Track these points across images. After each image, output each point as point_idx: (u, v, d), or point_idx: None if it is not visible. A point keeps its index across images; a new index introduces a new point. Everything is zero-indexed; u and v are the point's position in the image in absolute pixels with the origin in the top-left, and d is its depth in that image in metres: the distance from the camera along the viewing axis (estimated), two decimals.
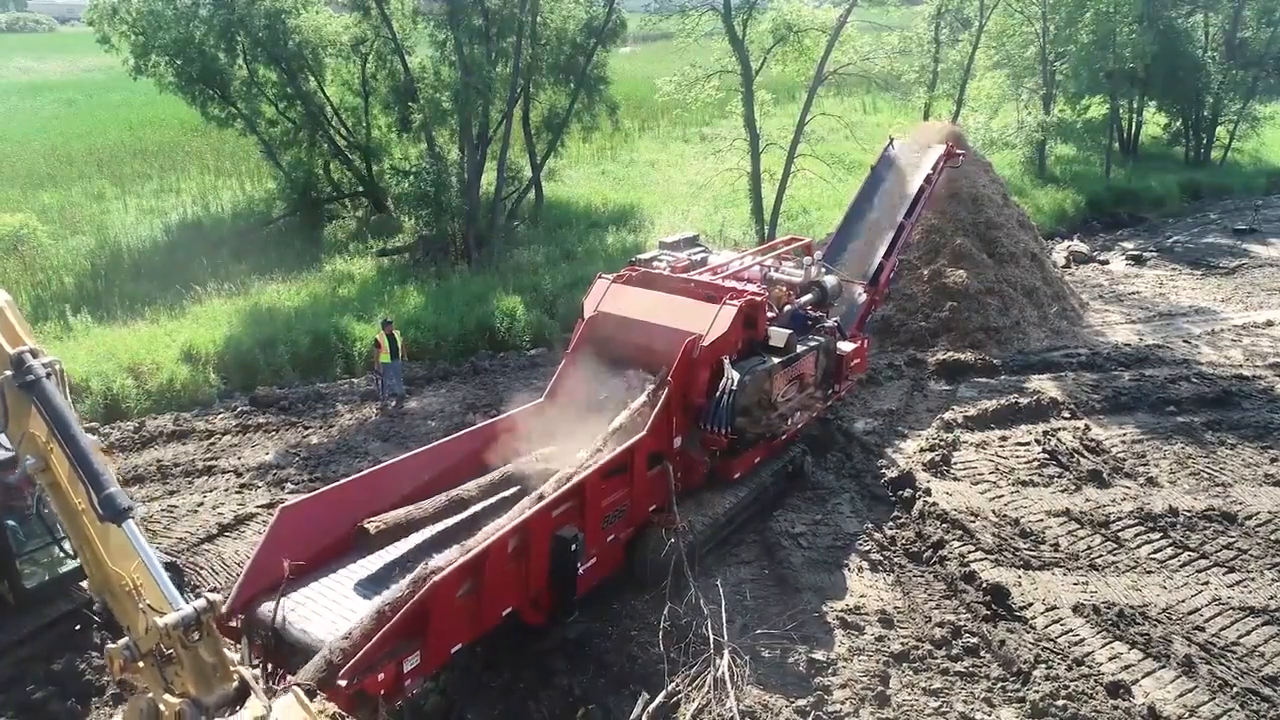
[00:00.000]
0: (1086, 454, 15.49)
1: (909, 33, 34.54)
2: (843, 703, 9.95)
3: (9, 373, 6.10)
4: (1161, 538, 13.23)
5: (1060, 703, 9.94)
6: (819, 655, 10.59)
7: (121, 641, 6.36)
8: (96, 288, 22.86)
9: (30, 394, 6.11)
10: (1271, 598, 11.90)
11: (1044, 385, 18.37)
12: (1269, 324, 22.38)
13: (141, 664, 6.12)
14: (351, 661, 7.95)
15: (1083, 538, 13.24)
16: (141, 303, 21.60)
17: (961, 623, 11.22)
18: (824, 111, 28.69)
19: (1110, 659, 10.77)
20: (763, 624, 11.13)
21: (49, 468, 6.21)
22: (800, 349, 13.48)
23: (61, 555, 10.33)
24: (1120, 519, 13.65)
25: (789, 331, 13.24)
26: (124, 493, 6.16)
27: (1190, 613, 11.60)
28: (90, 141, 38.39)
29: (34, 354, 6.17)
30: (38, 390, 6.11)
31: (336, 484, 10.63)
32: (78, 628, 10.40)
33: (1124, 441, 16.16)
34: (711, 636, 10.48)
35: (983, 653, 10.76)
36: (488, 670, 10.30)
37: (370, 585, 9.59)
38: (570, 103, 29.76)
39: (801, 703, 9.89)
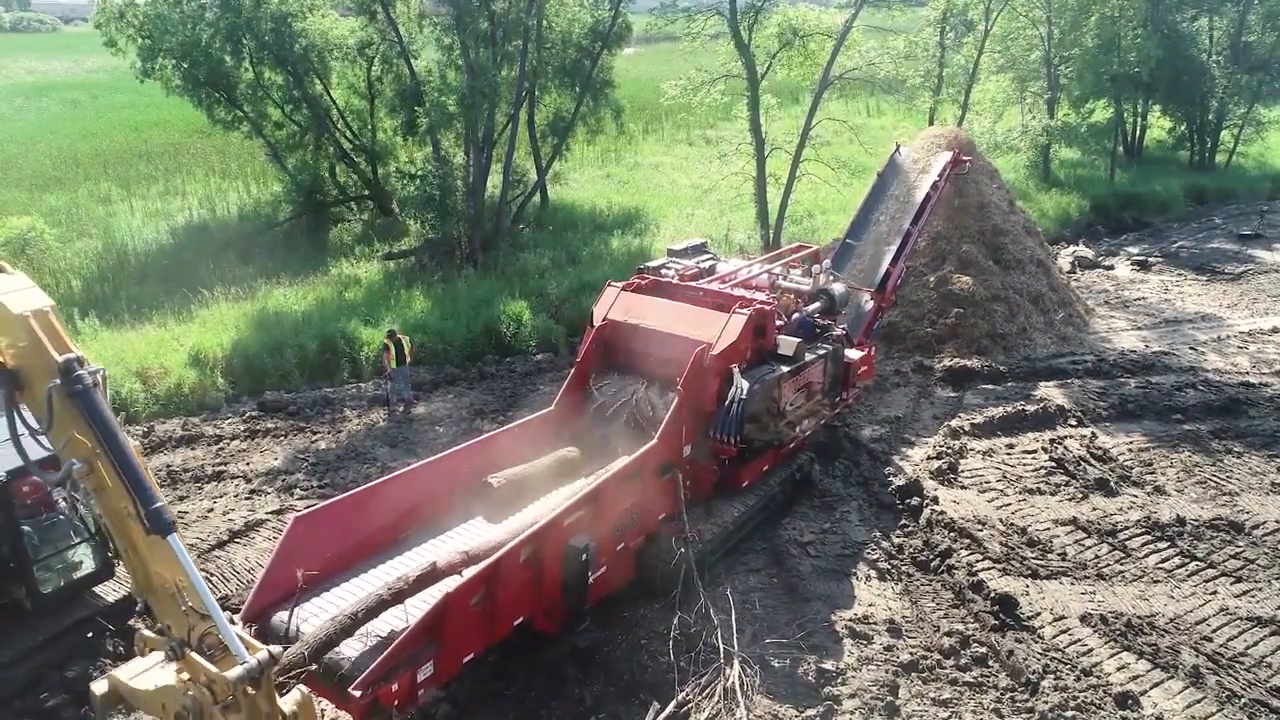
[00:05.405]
0: (1093, 462, 15.52)
1: (914, 37, 34.57)
2: (852, 713, 10.00)
3: (57, 380, 6.16)
4: (1169, 547, 13.26)
5: (1069, 713, 9.99)
6: (828, 665, 10.64)
7: (160, 637, 6.49)
8: (103, 291, 22.87)
9: (79, 403, 6.19)
10: (1279, 608, 11.93)
11: (1050, 392, 18.40)
12: (1275, 330, 22.40)
13: (184, 660, 6.30)
14: (366, 672, 8.01)
15: (1090, 547, 13.28)
16: (148, 306, 21.61)
17: (970, 632, 11.27)
18: (829, 116, 28.68)
19: (1118, 669, 10.80)
20: (772, 633, 11.20)
21: (94, 471, 6.30)
22: (808, 357, 13.54)
23: (78, 560, 10.42)
24: (1127, 528, 13.69)
25: (798, 340, 13.32)
26: (168, 507, 6.33)
27: (1198, 623, 11.64)
28: (96, 143, 38.44)
29: (80, 362, 6.23)
30: (86, 399, 6.20)
31: (348, 493, 10.66)
32: (90, 635, 10.44)
33: (1131, 449, 16.18)
34: (721, 645, 10.55)
35: (991, 662, 10.81)
36: (499, 679, 10.35)
37: None
38: (575, 106, 29.85)
39: (811, 712, 9.95)
